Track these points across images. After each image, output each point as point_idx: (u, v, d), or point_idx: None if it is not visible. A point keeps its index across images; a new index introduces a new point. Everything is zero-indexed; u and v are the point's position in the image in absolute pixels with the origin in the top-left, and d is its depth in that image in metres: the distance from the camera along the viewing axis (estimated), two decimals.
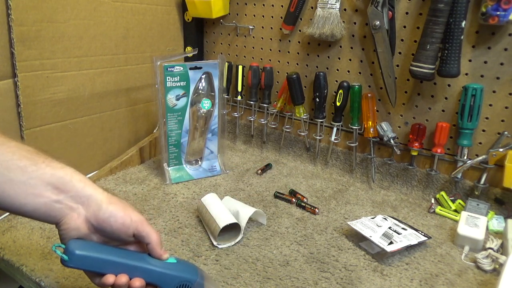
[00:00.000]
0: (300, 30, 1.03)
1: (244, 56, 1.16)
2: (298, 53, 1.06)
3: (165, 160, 0.97)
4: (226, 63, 1.13)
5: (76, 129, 0.92)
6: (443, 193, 0.88)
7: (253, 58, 1.15)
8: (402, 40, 0.90)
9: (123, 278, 0.47)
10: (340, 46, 0.99)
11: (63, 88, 0.87)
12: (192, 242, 0.72)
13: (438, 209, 0.86)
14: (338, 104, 0.97)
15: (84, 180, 0.48)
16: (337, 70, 1.01)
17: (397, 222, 0.78)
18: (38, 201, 0.45)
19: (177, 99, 0.93)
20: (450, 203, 0.86)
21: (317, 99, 0.99)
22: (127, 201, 0.84)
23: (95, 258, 0.47)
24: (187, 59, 1.15)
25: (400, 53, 0.90)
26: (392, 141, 0.92)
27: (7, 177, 0.44)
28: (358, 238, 0.75)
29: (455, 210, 0.85)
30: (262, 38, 1.11)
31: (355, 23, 0.95)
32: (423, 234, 0.75)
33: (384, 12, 0.86)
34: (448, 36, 0.79)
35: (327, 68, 1.02)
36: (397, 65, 0.91)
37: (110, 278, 0.47)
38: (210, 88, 0.98)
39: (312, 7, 1.00)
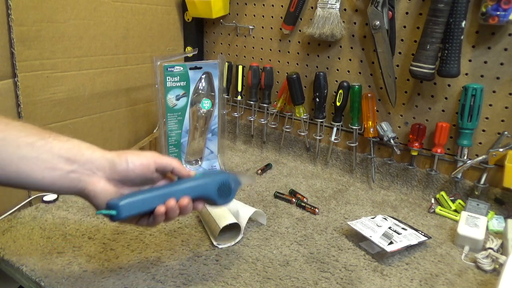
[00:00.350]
0: (300, 30, 1.03)
1: (244, 56, 1.16)
2: (298, 53, 1.06)
3: None
4: (226, 63, 1.13)
5: (76, 129, 0.92)
6: (443, 193, 0.88)
7: (253, 58, 1.15)
8: (402, 40, 0.90)
9: (171, 202, 0.51)
10: (340, 46, 0.99)
11: (63, 88, 0.87)
12: (192, 242, 0.72)
13: (438, 209, 0.86)
14: (338, 104, 0.97)
15: (91, 147, 0.50)
16: (337, 70, 1.01)
17: (397, 222, 0.78)
18: (54, 174, 0.46)
19: (177, 99, 0.93)
20: (450, 203, 0.86)
21: (317, 99, 0.99)
22: None
23: (140, 200, 0.49)
24: (187, 59, 1.15)
25: (400, 53, 0.90)
26: (392, 141, 0.92)
27: (19, 154, 0.45)
28: (358, 238, 0.75)
29: (455, 210, 0.85)
30: (262, 38, 1.11)
31: (355, 23, 0.95)
32: (423, 234, 0.75)
33: (384, 12, 0.86)
34: (448, 36, 0.79)
35: (327, 68, 1.02)
36: (397, 65, 0.91)
37: (161, 208, 0.50)
38: (210, 88, 0.98)
39: (312, 7, 1.00)
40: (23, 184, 0.46)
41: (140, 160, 0.50)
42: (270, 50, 1.11)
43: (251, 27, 1.12)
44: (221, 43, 1.20)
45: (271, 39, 1.10)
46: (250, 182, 0.64)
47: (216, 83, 0.97)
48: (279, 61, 1.10)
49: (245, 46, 1.15)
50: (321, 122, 1.02)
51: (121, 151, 0.51)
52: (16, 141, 0.45)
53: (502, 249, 0.72)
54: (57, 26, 0.83)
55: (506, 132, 0.81)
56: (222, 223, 0.70)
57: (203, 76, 0.95)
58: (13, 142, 0.45)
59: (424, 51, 0.80)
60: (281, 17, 1.05)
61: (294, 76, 0.99)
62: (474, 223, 0.75)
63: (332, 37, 0.94)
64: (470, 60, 0.83)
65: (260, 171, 1.01)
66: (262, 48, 1.12)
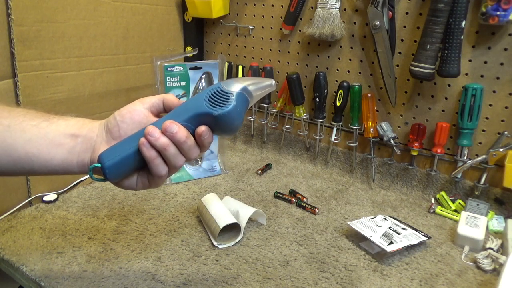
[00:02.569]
0: (300, 30, 1.03)
1: (244, 56, 1.16)
2: (298, 53, 1.06)
3: None
4: (226, 63, 1.13)
5: None
6: (443, 193, 0.88)
7: (253, 58, 1.15)
8: (402, 40, 0.90)
9: (149, 128, 0.45)
10: (340, 46, 0.99)
11: (63, 88, 0.87)
12: (192, 242, 0.72)
13: (438, 209, 0.86)
14: (338, 104, 0.97)
15: (94, 121, 0.50)
16: (337, 70, 1.01)
17: (397, 222, 0.78)
18: (62, 151, 0.46)
19: None
20: (450, 203, 0.86)
21: (317, 99, 0.99)
22: (128, 201, 0.85)
23: (124, 141, 0.46)
24: (187, 59, 1.15)
25: (400, 53, 0.90)
26: (392, 141, 0.92)
27: (25, 137, 0.45)
28: (358, 238, 0.75)
29: (455, 210, 0.85)
30: (262, 38, 1.11)
31: (355, 23, 0.95)
32: (423, 234, 0.75)
33: (384, 12, 0.86)
34: (448, 36, 0.79)
35: (327, 68, 1.02)
36: (397, 65, 0.91)
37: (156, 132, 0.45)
38: None
39: (312, 7, 1.00)
40: (35, 168, 0.46)
41: (127, 109, 0.48)
42: (270, 50, 1.11)
43: (251, 27, 1.12)
44: (221, 43, 1.20)
45: (271, 39, 1.10)
46: (267, 88, 0.50)
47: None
48: (279, 61, 1.10)
49: (245, 46, 1.15)
50: (321, 122, 1.02)
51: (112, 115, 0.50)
52: (21, 125, 0.46)
53: (502, 249, 0.72)
54: (57, 26, 0.83)
55: (506, 132, 0.81)
56: (222, 223, 0.70)
57: (203, 76, 0.95)
58: (18, 127, 0.45)
59: (424, 51, 0.80)
60: (281, 17, 1.05)
61: (294, 76, 0.99)
62: (474, 223, 0.75)
63: (332, 37, 0.94)
64: (470, 60, 0.83)
65: (260, 171, 1.01)
66: (262, 48, 1.12)
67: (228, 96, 0.46)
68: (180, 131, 0.45)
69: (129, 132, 0.47)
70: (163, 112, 0.50)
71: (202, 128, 0.46)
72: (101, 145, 0.47)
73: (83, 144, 0.47)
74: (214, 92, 0.46)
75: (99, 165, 0.45)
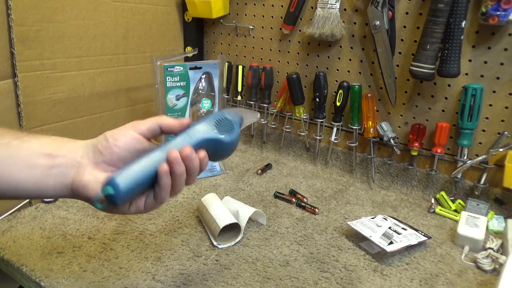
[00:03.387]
0: (300, 30, 1.03)
1: (244, 56, 1.16)
2: (298, 53, 1.06)
3: None
4: (226, 63, 1.13)
5: (76, 129, 0.92)
6: (443, 193, 0.88)
7: (253, 58, 1.15)
8: (402, 40, 0.90)
9: (173, 152, 0.44)
10: (340, 46, 0.99)
11: (63, 88, 0.87)
12: (192, 242, 0.72)
13: (438, 209, 0.86)
14: (338, 104, 0.97)
15: (73, 140, 0.46)
16: (337, 70, 1.01)
17: (397, 222, 0.78)
18: (35, 172, 0.42)
19: (177, 99, 0.93)
20: (450, 203, 0.86)
21: (317, 99, 0.99)
22: None
23: (136, 166, 0.42)
24: (187, 59, 1.15)
25: (400, 53, 0.90)
26: (392, 141, 0.92)
27: None
28: (358, 238, 0.75)
29: (455, 210, 0.85)
30: (262, 38, 1.11)
31: (355, 23, 0.95)
32: (423, 234, 0.75)
33: (384, 12, 0.86)
34: (448, 36, 0.79)
35: (327, 68, 1.02)
36: (397, 65, 0.91)
37: (163, 166, 0.43)
38: (210, 88, 0.98)
39: (312, 7, 1.00)
40: (8, 190, 0.42)
41: (120, 132, 0.45)
42: (270, 50, 1.11)
43: (251, 27, 1.12)
44: (221, 43, 1.20)
45: (271, 39, 1.10)
46: (252, 119, 0.54)
47: (216, 83, 0.97)
48: (279, 61, 1.10)
49: (245, 46, 1.15)
50: (321, 122, 1.02)
51: (100, 135, 0.46)
52: None
53: (502, 249, 0.72)
54: (57, 26, 0.83)
55: (506, 132, 0.81)
56: (222, 223, 0.70)
57: (203, 76, 0.95)
58: None
59: (424, 51, 0.80)
60: (281, 17, 1.05)
61: (294, 76, 0.99)
62: (474, 223, 0.75)
63: (332, 37, 0.94)
64: (470, 60, 0.83)
65: (260, 171, 1.01)
66: (262, 48, 1.12)
67: (233, 125, 0.49)
68: (196, 160, 0.45)
69: (123, 157, 0.44)
70: (159, 134, 0.48)
71: (204, 154, 0.47)
72: (88, 167, 0.43)
73: (62, 166, 0.43)
74: (220, 119, 0.49)
75: (111, 190, 0.41)
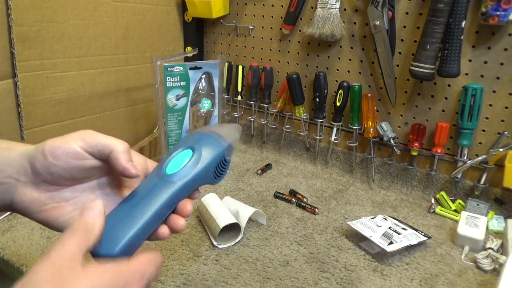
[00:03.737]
0: (300, 30, 1.03)
1: (244, 56, 1.16)
2: (298, 53, 1.06)
3: None
4: (226, 63, 1.13)
5: (76, 129, 0.90)
6: (443, 193, 0.88)
7: (253, 58, 1.15)
8: (402, 40, 0.90)
9: (179, 221, 0.40)
10: (340, 46, 0.99)
11: (63, 88, 0.87)
12: (192, 242, 0.72)
13: (438, 209, 0.86)
14: (338, 104, 0.97)
15: (10, 145, 0.38)
16: (337, 70, 1.01)
17: (397, 222, 0.78)
18: None
19: (177, 99, 0.93)
20: (450, 203, 0.86)
21: (317, 99, 0.99)
22: None
23: (135, 232, 0.36)
24: (187, 59, 1.15)
25: (400, 53, 0.90)
26: (392, 141, 0.92)
27: None
28: (358, 238, 0.75)
29: (455, 210, 0.85)
30: (262, 38, 1.11)
31: (355, 23, 0.95)
32: (423, 234, 0.75)
33: (384, 12, 0.86)
34: (448, 36, 0.79)
35: (327, 68, 1.02)
36: (397, 65, 0.91)
37: (165, 230, 0.40)
38: (210, 88, 0.98)
39: (312, 7, 1.00)
40: None
41: (61, 148, 0.37)
42: (270, 50, 1.11)
43: (251, 27, 1.12)
44: (221, 43, 1.20)
45: (271, 39, 1.10)
46: (236, 139, 0.47)
47: (216, 83, 0.97)
48: (279, 61, 1.10)
49: (245, 46, 1.15)
50: (321, 122, 1.02)
51: (45, 141, 0.38)
52: None
53: (502, 249, 0.72)
54: (57, 26, 0.83)
55: (506, 132, 0.81)
56: (222, 223, 0.70)
57: (203, 76, 0.95)
58: None
59: (424, 51, 0.80)
60: (281, 17, 1.05)
61: (294, 76, 0.99)
62: (474, 223, 0.75)
63: (332, 37, 0.94)
64: (470, 60, 0.83)
65: (260, 171, 1.01)
66: (262, 48, 1.12)
67: (226, 164, 0.45)
68: (191, 210, 0.42)
69: (63, 176, 0.38)
70: (106, 160, 0.39)
71: (197, 195, 0.44)
72: (27, 188, 0.37)
73: None
74: (220, 163, 0.44)
75: (107, 254, 0.35)
